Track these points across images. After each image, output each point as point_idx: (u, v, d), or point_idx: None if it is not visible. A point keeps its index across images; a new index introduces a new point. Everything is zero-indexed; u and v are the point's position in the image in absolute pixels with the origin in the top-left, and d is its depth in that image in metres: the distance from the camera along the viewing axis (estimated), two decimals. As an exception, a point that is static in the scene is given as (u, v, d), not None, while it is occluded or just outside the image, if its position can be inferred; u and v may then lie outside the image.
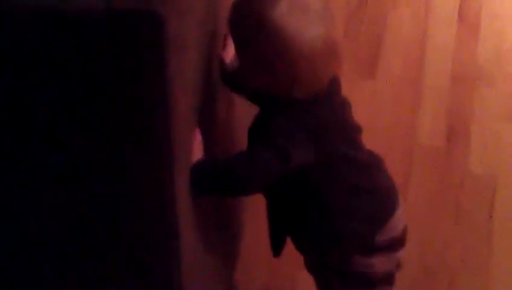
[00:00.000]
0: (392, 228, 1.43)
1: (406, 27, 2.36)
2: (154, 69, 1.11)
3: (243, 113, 1.58)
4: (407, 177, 1.90)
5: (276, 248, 1.49)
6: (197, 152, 1.30)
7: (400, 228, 1.44)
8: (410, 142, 2.01)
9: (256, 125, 1.37)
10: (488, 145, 2.02)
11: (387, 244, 1.42)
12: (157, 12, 1.07)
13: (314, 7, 1.28)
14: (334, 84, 1.37)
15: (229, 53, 1.43)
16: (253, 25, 1.28)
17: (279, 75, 1.28)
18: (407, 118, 2.08)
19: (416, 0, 2.43)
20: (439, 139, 2.02)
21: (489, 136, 2.05)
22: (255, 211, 1.55)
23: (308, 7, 1.28)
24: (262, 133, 1.32)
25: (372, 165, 1.42)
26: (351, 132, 1.40)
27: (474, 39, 2.32)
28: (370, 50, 2.26)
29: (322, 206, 1.38)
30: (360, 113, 1.46)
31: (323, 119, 1.32)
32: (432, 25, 2.37)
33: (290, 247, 1.49)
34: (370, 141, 1.46)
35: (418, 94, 2.14)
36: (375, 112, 1.54)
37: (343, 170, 1.37)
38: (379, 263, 1.43)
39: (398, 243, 1.45)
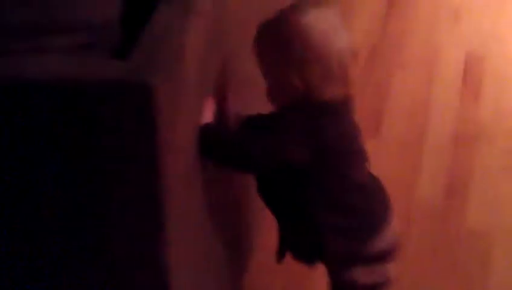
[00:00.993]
0: (381, 241, 1.50)
1: (410, 88, 2.44)
2: (145, 138, 1.20)
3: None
4: (407, 233, 1.95)
5: (280, 253, 1.58)
6: (207, 115, 1.41)
7: (388, 242, 1.51)
8: (410, 199, 2.06)
9: (260, 118, 1.50)
10: (486, 202, 2.07)
11: (375, 256, 1.50)
12: (148, 83, 1.16)
13: (335, 19, 1.44)
14: (350, 101, 1.48)
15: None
16: (287, 31, 1.41)
17: (310, 77, 1.41)
18: (408, 176, 2.14)
19: (421, 62, 2.52)
20: (438, 197, 2.08)
21: (487, 193, 2.09)
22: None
23: (329, 17, 1.43)
24: (271, 121, 1.45)
25: (368, 188, 1.50)
26: (355, 153, 1.49)
27: (476, 99, 2.39)
28: (375, 109, 2.34)
29: (311, 220, 1.47)
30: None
31: (330, 134, 1.42)
32: (436, 86, 2.45)
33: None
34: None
35: (420, 153, 2.21)
36: (376, 169, 1.61)
37: (336, 188, 1.46)
38: (364, 275, 1.50)
39: (386, 255, 1.51)
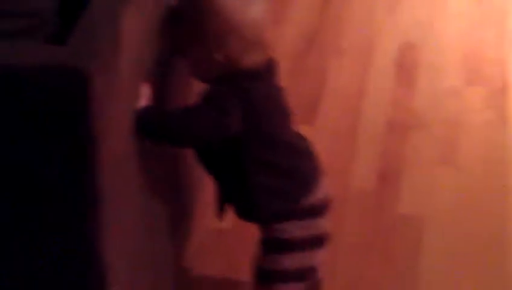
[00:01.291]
0: (312, 198, 1.58)
1: (346, 76, 2.47)
2: (80, 123, 1.20)
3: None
4: (341, 219, 1.98)
5: (220, 212, 1.66)
6: (144, 98, 1.42)
7: (319, 197, 1.59)
8: (344, 186, 2.10)
9: (205, 92, 1.51)
10: (419, 189, 2.11)
11: (306, 211, 1.58)
12: (83, 69, 1.16)
13: None
14: (273, 65, 1.55)
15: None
16: (201, 9, 1.46)
17: (229, 50, 1.46)
18: (342, 163, 2.17)
19: (357, 51, 2.56)
20: (372, 184, 2.12)
21: (420, 181, 2.14)
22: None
23: None
24: (209, 96, 1.48)
25: (296, 147, 1.58)
26: (280, 113, 1.56)
27: (411, 87, 2.44)
28: (310, 96, 2.37)
29: (243, 179, 1.54)
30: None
31: (254, 96, 1.48)
32: (371, 74, 2.49)
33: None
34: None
35: (354, 141, 2.24)
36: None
37: (264, 149, 1.53)
38: (296, 229, 1.57)
39: (317, 210, 1.60)
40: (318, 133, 1.84)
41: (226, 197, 1.63)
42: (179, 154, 1.73)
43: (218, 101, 1.45)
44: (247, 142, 1.51)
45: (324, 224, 1.62)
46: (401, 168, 2.16)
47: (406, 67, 2.51)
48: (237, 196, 1.60)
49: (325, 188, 1.62)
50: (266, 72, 1.53)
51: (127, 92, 1.35)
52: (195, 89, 1.61)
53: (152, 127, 1.43)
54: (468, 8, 2.75)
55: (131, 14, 1.32)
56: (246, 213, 1.62)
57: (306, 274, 1.63)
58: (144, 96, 1.42)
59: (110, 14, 1.28)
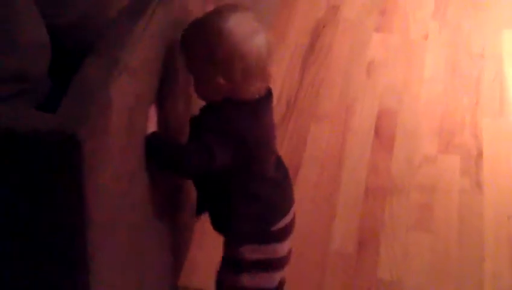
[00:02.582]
0: (278, 226, 1.71)
1: (325, 140, 2.51)
2: (72, 186, 1.22)
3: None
4: (321, 283, 2.00)
5: (198, 211, 1.81)
6: (152, 124, 1.55)
7: (285, 224, 1.72)
8: (324, 250, 2.12)
9: (197, 118, 1.63)
10: (396, 254, 2.14)
11: (273, 235, 1.71)
12: (73, 135, 1.19)
13: (253, 22, 1.57)
14: (269, 95, 1.65)
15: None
16: (211, 34, 1.55)
17: (233, 74, 1.55)
18: (322, 227, 2.20)
19: (336, 115, 2.60)
20: (351, 248, 2.14)
21: (398, 245, 2.17)
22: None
23: (253, 21, 1.57)
24: (198, 128, 1.60)
25: (274, 179, 1.70)
26: (268, 149, 1.67)
27: (388, 152, 2.48)
28: (291, 160, 2.39)
29: (224, 203, 1.69)
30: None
31: (245, 130, 1.59)
32: (349, 139, 2.53)
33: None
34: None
35: (334, 205, 2.27)
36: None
37: (248, 180, 1.66)
38: (260, 252, 1.71)
39: (283, 234, 1.72)
40: (298, 198, 1.86)
41: (205, 208, 1.76)
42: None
43: (210, 142, 1.55)
44: (236, 175, 1.64)
45: (286, 246, 1.74)
46: (380, 233, 2.20)
47: (383, 132, 2.56)
48: (216, 214, 1.73)
49: (293, 213, 1.75)
50: (263, 101, 1.62)
51: (118, 154, 1.38)
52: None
53: (155, 157, 1.56)
54: (443, 74, 2.81)
55: (122, 79, 1.35)
56: (217, 226, 1.74)
57: None
58: (151, 120, 1.54)
59: (100, 79, 1.31)
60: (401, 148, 2.50)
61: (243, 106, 1.59)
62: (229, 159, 1.58)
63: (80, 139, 1.20)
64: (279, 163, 1.73)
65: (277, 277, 1.76)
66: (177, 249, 1.93)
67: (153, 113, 1.55)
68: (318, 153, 2.44)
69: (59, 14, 1.33)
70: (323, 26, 2.98)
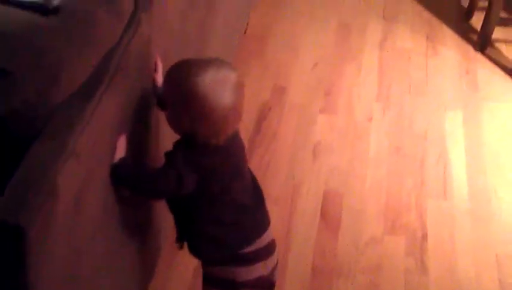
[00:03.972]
0: (255, 245, 1.81)
1: (272, 222, 2.50)
2: (15, 275, 1.21)
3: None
4: None
5: (178, 242, 1.88)
6: (120, 150, 1.66)
7: (262, 244, 1.83)
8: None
9: (172, 151, 1.73)
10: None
11: (250, 256, 1.81)
12: (16, 223, 1.18)
13: (230, 80, 1.68)
14: (235, 136, 1.77)
15: (159, 76, 1.81)
16: (184, 87, 1.66)
17: (198, 125, 1.67)
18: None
19: (282, 197, 2.62)
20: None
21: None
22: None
23: (226, 80, 1.68)
24: (172, 159, 1.70)
25: (242, 204, 1.80)
26: (233, 175, 1.77)
27: (334, 233, 2.50)
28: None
29: (193, 227, 1.80)
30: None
31: (212, 166, 1.71)
32: (295, 220, 2.55)
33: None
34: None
35: (280, 286, 2.26)
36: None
37: (214, 206, 1.76)
38: (241, 272, 1.82)
39: (261, 255, 1.83)
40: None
41: (181, 234, 1.86)
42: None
43: (178, 169, 1.67)
44: (199, 200, 1.74)
45: (263, 268, 1.84)
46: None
47: (329, 214, 2.58)
48: (188, 237, 1.83)
49: (270, 235, 1.86)
50: (225, 146, 1.72)
51: (64, 236, 1.38)
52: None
53: (123, 181, 1.67)
54: (388, 155, 2.85)
55: (69, 164, 1.35)
56: (191, 251, 1.84)
57: None
58: (119, 149, 1.65)
59: (47, 164, 1.31)
60: (347, 230, 2.52)
61: (214, 148, 1.70)
62: (195, 187, 1.70)
63: (23, 227, 1.19)
64: (255, 187, 1.86)
65: None
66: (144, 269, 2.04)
67: (120, 143, 1.66)
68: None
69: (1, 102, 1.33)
70: (269, 109, 3.02)
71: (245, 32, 3.35)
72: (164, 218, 1.98)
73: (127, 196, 1.73)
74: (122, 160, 1.65)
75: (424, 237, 2.50)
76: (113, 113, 1.59)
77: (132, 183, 1.70)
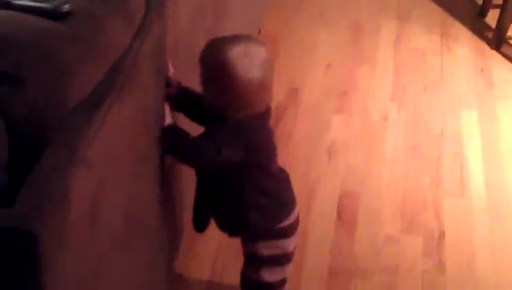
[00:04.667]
0: (289, 220, 1.95)
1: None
2: (30, 281, 1.21)
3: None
4: None
5: (200, 226, 2.01)
6: (168, 116, 1.84)
7: (293, 220, 1.96)
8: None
9: (211, 124, 1.86)
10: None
11: (282, 231, 1.94)
12: (30, 230, 1.18)
13: (257, 54, 1.80)
14: (267, 113, 1.88)
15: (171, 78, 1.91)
16: (215, 62, 1.80)
17: (230, 98, 1.80)
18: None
19: (298, 198, 2.58)
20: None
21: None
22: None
23: (255, 55, 1.80)
24: (213, 130, 1.84)
25: (280, 177, 1.96)
26: (270, 150, 1.92)
27: (351, 233, 2.49)
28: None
29: (238, 198, 1.89)
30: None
31: (252, 135, 1.84)
32: (312, 220, 2.54)
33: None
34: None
35: (297, 286, 2.27)
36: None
37: (258, 175, 1.88)
38: (284, 244, 1.96)
39: (290, 231, 1.96)
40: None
41: (209, 212, 1.97)
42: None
43: (219, 139, 1.80)
44: (246, 169, 1.85)
45: (294, 242, 1.98)
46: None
47: (346, 214, 2.57)
48: (226, 211, 1.93)
49: (297, 213, 1.98)
50: (265, 115, 1.87)
51: (77, 245, 1.38)
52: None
53: (169, 148, 1.85)
54: (404, 155, 2.85)
55: (80, 172, 1.35)
56: (231, 226, 1.96)
57: (281, 285, 2.03)
58: (168, 115, 1.83)
59: (58, 172, 1.31)
60: (364, 230, 2.51)
61: (252, 117, 1.82)
62: (237, 157, 1.80)
63: (36, 235, 1.19)
64: (281, 169, 1.99)
65: (288, 269, 2.02)
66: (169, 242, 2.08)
67: (167, 110, 1.83)
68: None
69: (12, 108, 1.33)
70: (285, 109, 3.02)
71: (258, 35, 3.35)
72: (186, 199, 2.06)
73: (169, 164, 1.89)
74: (170, 125, 1.83)
75: (442, 236, 2.49)
76: (125, 119, 1.59)
77: (177, 148, 1.85)
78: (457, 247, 2.46)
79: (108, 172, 1.50)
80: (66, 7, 1.47)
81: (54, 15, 1.47)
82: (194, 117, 1.95)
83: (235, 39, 1.83)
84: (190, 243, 2.37)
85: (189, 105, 1.93)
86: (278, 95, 3.08)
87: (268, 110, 1.88)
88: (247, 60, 1.78)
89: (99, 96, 1.48)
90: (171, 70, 1.88)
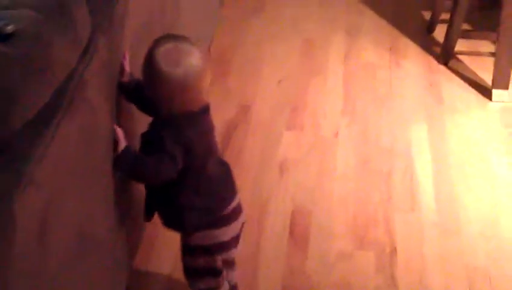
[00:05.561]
0: (226, 209, 2.03)
1: (240, 240, 2.49)
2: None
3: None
4: None
5: (147, 216, 2.07)
6: (122, 139, 1.85)
7: (232, 207, 2.03)
8: None
9: (150, 132, 1.93)
10: None
11: (222, 220, 2.02)
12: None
13: (188, 55, 1.84)
14: (203, 112, 1.92)
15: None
16: (147, 57, 1.84)
17: (158, 94, 1.85)
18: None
19: (249, 215, 2.59)
20: None
21: None
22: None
23: (184, 53, 1.84)
24: (156, 142, 1.87)
25: (218, 174, 2.00)
26: (205, 149, 1.95)
27: (303, 251, 2.49)
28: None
29: (174, 199, 1.97)
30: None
31: (191, 140, 1.87)
32: (264, 239, 2.53)
33: None
34: None
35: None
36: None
37: (192, 176, 1.93)
38: (221, 233, 2.03)
39: (231, 218, 2.04)
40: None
41: (155, 207, 2.03)
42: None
43: (173, 151, 1.84)
44: (184, 174, 1.90)
45: (231, 230, 2.05)
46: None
47: (298, 230, 2.57)
48: (166, 210, 2.01)
49: (237, 200, 2.06)
50: (202, 113, 1.91)
51: (27, 266, 1.35)
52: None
53: (127, 171, 1.89)
54: (355, 170, 2.86)
55: (27, 193, 1.33)
56: (171, 224, 2.04)
57: (221, 270, 2.09)
58: (121, 139, 1.84)
59: (4, 194, 1.29)
60: (316, 246, 2.51)
61: (187, 117, 1.86)
62: (181, 160, 1.87)
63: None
64: (221, 161, 2.04)
65: (232, 253, 2.12)
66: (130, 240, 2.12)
67: (121, 133, 1.84)
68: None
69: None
70: (235, 127, 3.01)
71: (209, 51, 3.35)
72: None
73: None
74: (124, 150, 1.84)
75: (393, 251, 2.49)
76: (73, 138, 1.57)
77: (134, 172, 1.89)
78: (409, 262, 2.47)
79: (57, 191, 1.48)
80: (10, 28, 1.45)
81: (-2, 36, 1.45)
82: (143, 108, 1.99)
83: (169, 37, 1.89)
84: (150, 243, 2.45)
85: (139, 96, 1.95)
86: (229, 113, 3.08)
87: (204, 109, 1.92)
88: (174, 57, 1.82)
89: (45, 116, 1.46)
90: (126, 58, 1.92)
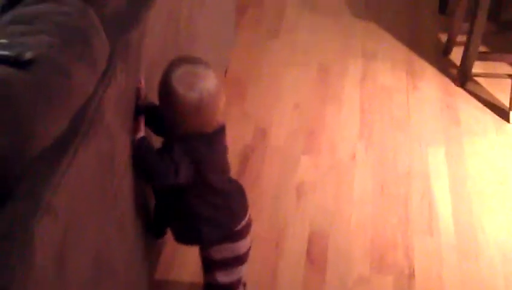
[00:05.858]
0: (239, 225, 2.07)
1: (258, 263, 2.49)
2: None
3: None
4: None
5: (159, 233, 2.16)
6: (143, 129, 1.90)
7: (243, 225, 2.08)
8: None
9: (162, 147, 1.95)
10: None
11: (235, 235, 2.07)
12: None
13: (204, 78, 1.87)
14: (218, 133, 1.95)
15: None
16: (163, 79, 1.88)
17: (174, 116, 1.88)
18: None
19: (267, 239, 2.60)
20: None
21: None
22: None
23: (200, 77, 1.87)
24: (167, 150, 1.90)
25: (230, 190, 2.06)
26: (221, 167, 2.02)
27: (321, 275, 2.48)
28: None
29: (189, 213, 2.01)
30: None
31: (202, 156, 1.91)
32: (281, 262, 2.52)
33: None
34: None
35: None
36: None
37: (206, 192, 1.98)
38: (237, 247, 2.10)
39: (243, 233, 2.09)
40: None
41: (167, 223, 2.10)
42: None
43: (176, 161, 1.87)
44: (195, 188, 1.95)
45: (245, 244, 2.11)
46: None
47: (315, 254, 2.56)
48: (181, 225, 2.05)
49: (249, 215, 2.10)
50: (214, 136, 1.94)
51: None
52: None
53: (135, 160, 1.88)
54: (372, 193, 2.85)
55: (45, 220, 1.33)
56: (186, 238, 2.09)
57: (236, 285, 2.16)
58: (141, 128, 1.88)
59: (22, 222, 1.29)
60: (334, 271, 2.50)
61: (200, 137, 1.90)
62: (190, 177, 1.90)
63: (1, 287, 1.17)
64: (231, 180, 2.10)
65: (243, 269, 2.15)
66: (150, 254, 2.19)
67: (142, 122, 1.89)
68: (251, 277, 2.41)
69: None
70: (252, 151, 3.02)
71: (225, 75, 3.36)
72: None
73: None
74: (140, 139, 1.87)
75: (412, 274, 2.48)
76: (91, 164, 1.58)
77: (140, 162, 1.89)
78: (427, 285, 2.46)
79: (75, 218, 1.49)
80: (29, 54, 1.46)
81: (17, 63, 1.45)
82: (159, 132, 2.01)
83: (185, 60, 1.92)
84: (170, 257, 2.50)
85: (155, 120, 1.96)
86: (245, 137, 3.08)
87: (219, 130, 1.95)
88: (189, 81, 1.86)
89: (63, 143, 1.47)
90: (142, 83, 1.93)
